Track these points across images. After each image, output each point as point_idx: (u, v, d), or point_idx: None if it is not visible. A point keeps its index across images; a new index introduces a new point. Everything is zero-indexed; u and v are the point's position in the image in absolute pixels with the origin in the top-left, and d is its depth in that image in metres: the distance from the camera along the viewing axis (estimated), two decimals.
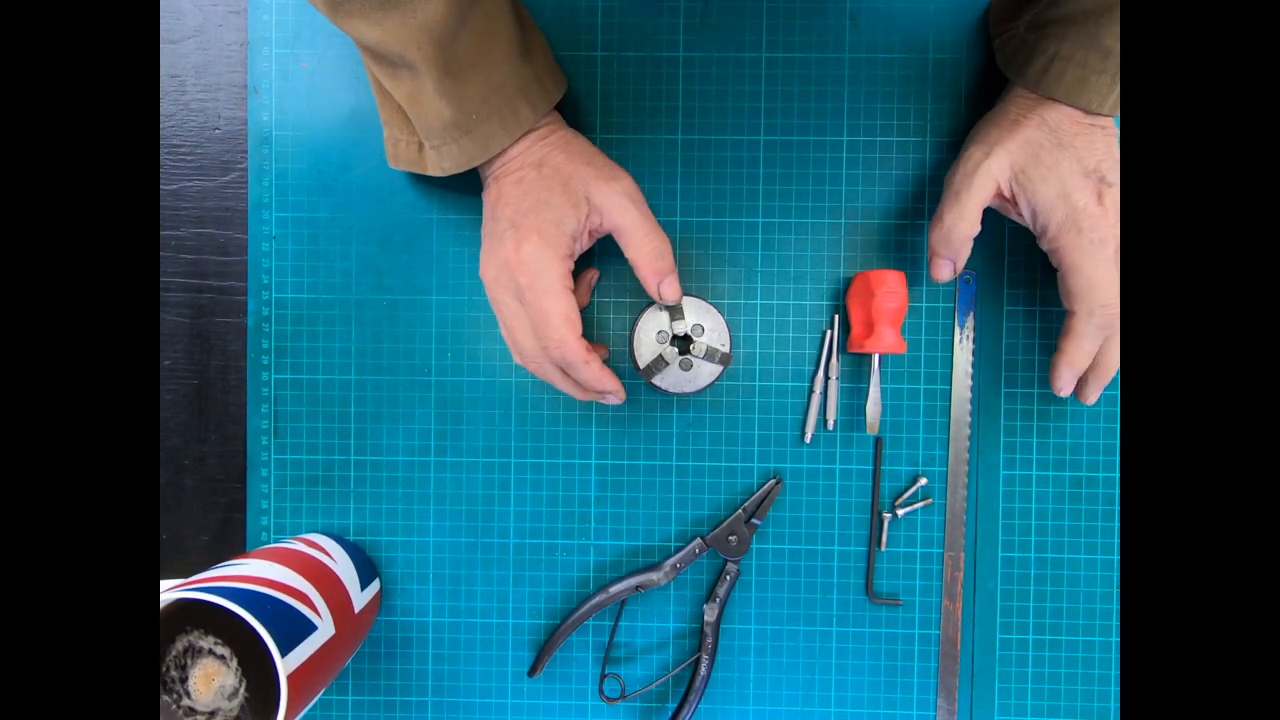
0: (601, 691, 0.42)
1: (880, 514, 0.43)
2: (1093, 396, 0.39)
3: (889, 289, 0.39)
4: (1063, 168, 0.35)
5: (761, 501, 0.42)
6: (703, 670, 0.41)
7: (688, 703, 0.41)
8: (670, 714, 0.42)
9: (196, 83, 0.44)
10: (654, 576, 0.41)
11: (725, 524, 0.42)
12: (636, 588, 0.41)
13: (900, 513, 0.43)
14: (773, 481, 0.42)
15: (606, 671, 0.43)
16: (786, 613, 0.43)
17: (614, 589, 0.41)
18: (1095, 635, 0.42)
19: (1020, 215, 0.37)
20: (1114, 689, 0.43)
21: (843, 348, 0.43)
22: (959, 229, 0.37)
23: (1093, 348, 0.37)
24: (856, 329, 0.41)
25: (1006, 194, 0.37)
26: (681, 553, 0.42)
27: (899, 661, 0.43)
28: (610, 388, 0.37)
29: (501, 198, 0.37)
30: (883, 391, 0.43)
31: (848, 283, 0.42)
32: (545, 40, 0.39)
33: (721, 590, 0.42)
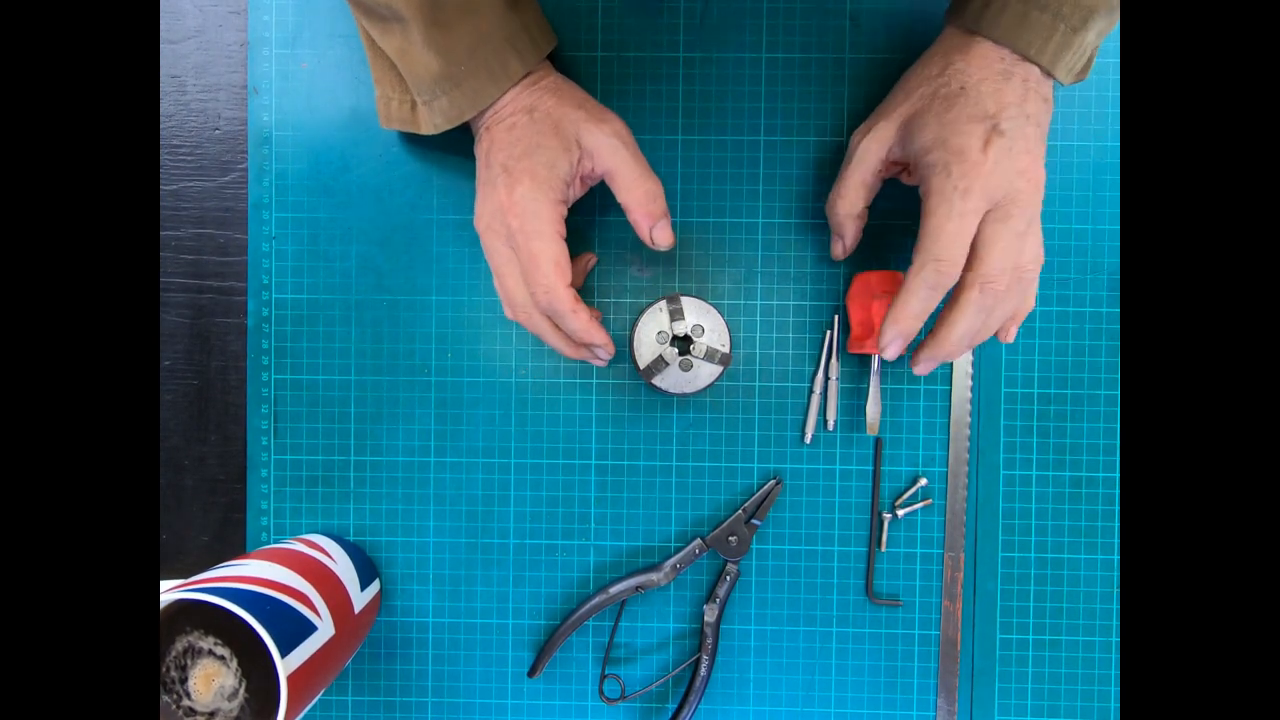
0: (601, 692, 0.42)
1: (880, 514, 0.43)
2: (921, 367, 0.36)
3: (889, 289, 0.39)
4: (950, 113, 0.32)
5: (761, 502, 0.42)
6: (703, 671, 0.41)
7: (687, 703, 0.41)
8: (670, 714, 0.42)
9: (196, 83, 0.44)
10: (654, 577, 0.41)
11: (725, 525, 0.42)
12: (636, 588, 0.41)
13: (900, 513, 0.43)
14: (773, 482, 0.42)
15: (606, 672, 0.43)
16: (786, 613, 0.43)
17: (614, 589, 0.41)
18: (1095, 635, 0.42)
19: (909, 176, 0.36)
20: (1114, 689, 0.43)
21: (843, 348, 0.43)
22: (837, 206, 0.37)
23: (922, 308, 0.34)
24: (856, 330, 0.41)
25: (897, 159, 0.35)
26: (681, 553, 0.42)
27: (899, 661, 0.43)
28: (598, 340, 0.37)
29: (494, 145, 0.36)
30: (883, 392, 0.43)
31: (848, 283, 0.42)
32: None
33: (721, 591, 0.42)
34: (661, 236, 0.38)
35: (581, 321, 0.36)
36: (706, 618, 0.42)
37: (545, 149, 0.35)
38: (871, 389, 0.41)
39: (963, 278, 0.33)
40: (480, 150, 0.37)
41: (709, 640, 0.41)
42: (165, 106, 0.44)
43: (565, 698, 0.43)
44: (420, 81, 0.36)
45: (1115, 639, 0.43)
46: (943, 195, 0.32)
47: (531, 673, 0.42)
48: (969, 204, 0.31)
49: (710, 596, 0.42)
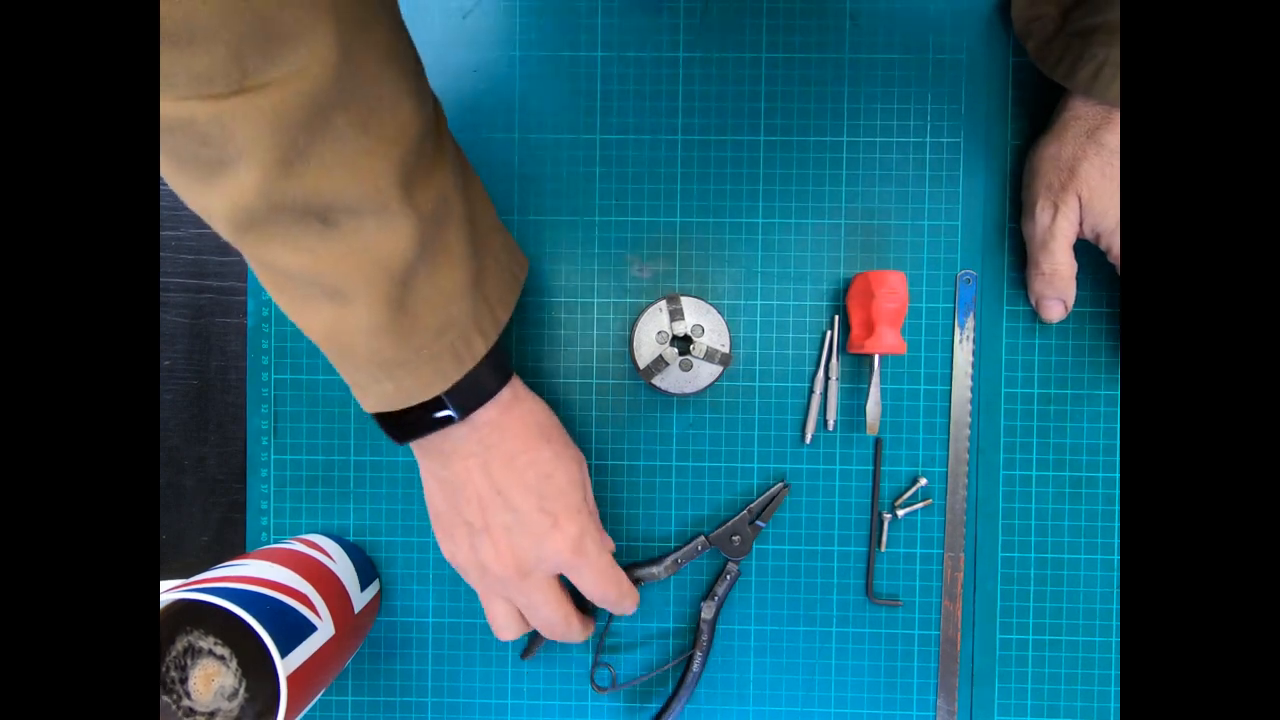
0: (593, 680, 0.42)
1: (880, 514, 0.43)
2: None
3: (889, 289, 0.39)
4: (1116, 180, 0.37)
5: (767, 504, 0.42)
6: (695, 667, 0.41)
7: (678, 697, 0.41)
8: (659, 708, 0.42)
9: None
10: (654, 570, 0.41)
11: (729, 524, 0.42)
12: (635, 580, 0.41)
13: (900, 513, 0.42)
14: (780, 485, 0.42)
15: (601, 660, 0.43)
16: (786, 613, 0.43)
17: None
18: (1095, 635, 0.42)
19: (1082, 233, 0.39)
20: (1114, 689, 0.43)
21: (843, 348, 0.43)
22: (1060, 273, 0.39)
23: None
24: (856, 329, 0.41)
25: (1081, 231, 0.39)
26: (683, 549, 0.42)
27: (899, 662, 0.43)
28: (636, 598, 0.39)
29: (506, 488, 0.33)
30: (883, 392, 0.43)
31: (848, 283, 0.42)
32: (503, 242, 0.35)
33: (720, 589, 0.42)
34: (609, 544, 0.39)
35: (629, 589, 0.38)
36: (704, 615, 0.42)
37: (579, 483, 0.36)
38: (871, 389, 0.41)
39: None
40: (468, 488, 0.34)
41: (704, 637, 0.41)
42: None
43: (565, 698, 0.43)
44: (356, 365, 0.30)
45: (1115, 639, 0.43)
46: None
47: (524, 654, 0.42)
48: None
49: (709, 594, 0.42)
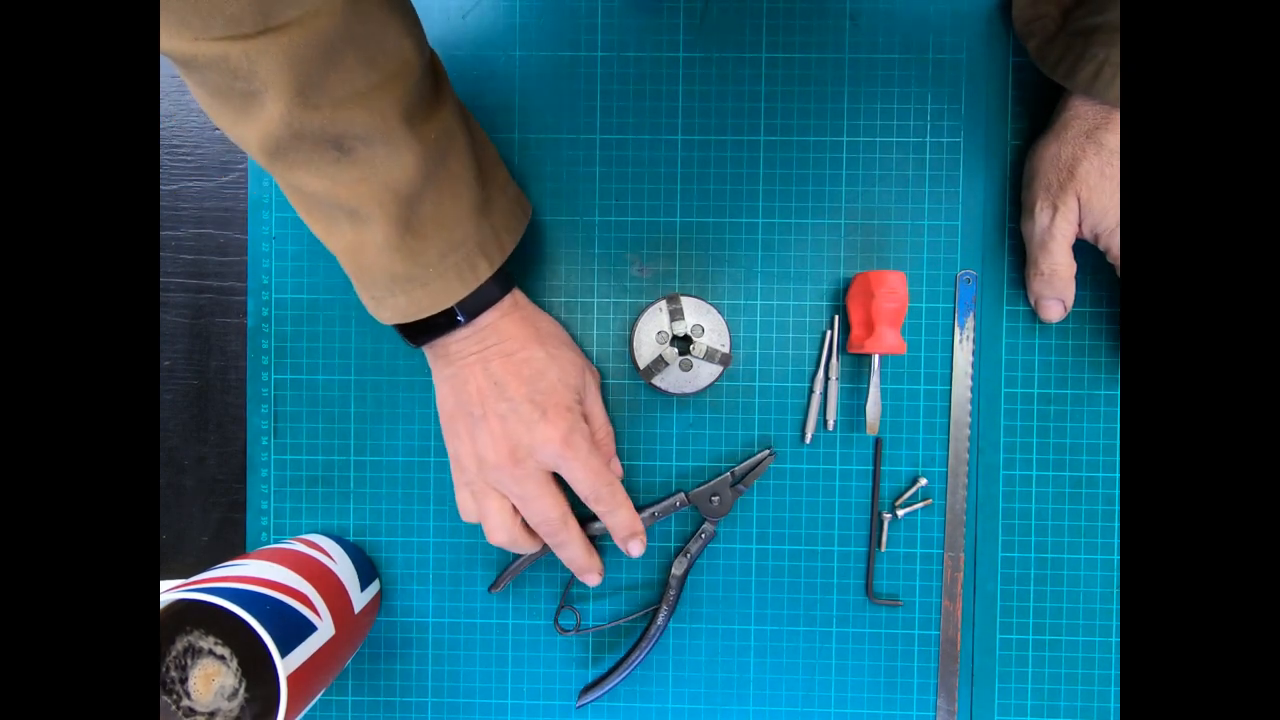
0: (557, 623, 0.43)
1: (880, 514, 0.43)
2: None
3: (889, 289, 0.39)
4: (1115, 180, 0.37)
5: (752, 469, 0.42)
6: (659, 620, 0.41)
7: (639, 648, 0.41)
8: (619, 656, 0.42)
9: None
10: None
11: (710, 484, 0.42)
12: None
13: (900, 513, 0.42)
14: (766, 452, 0.42)
15: (568, 605, 0.43)
16: (786, 613, 0.43)
17: (590, 526, 0.41)
18: (1095, 635, 0.42)
19: (1082, 233, 0.39)
20: (1114, 689, 0.43)
21: (843, 348, 0.43)
22: (1059, 273, 0.39)
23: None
24: (856, 329, 0.41)
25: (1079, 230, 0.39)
26: (662, 503, 0.42)
27: (899, 662, 0.43)
28: (595, 568, 0.40)
29: (502, 379, 0.36)
30: (883, 392, 0.43)
31: (848, 283, 0.42)
32: (507, 178, 0.38)
33: (694, 547, 0.42)
34: (615, 469, 0.42)
35: (583, 554, 0.39)
36: (674, 570, 0.42)
37: (571, 385, 0.38)
38: (871, 389, 0.41)
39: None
40: (470, 382, 0.37)
41: (671, 593, 0.42)
42: (165, 106, 0.44)
43: (565, 697, 0.43)
44: (373, 279, 0.34)
45: (1115, 639, 0.43)
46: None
47: (493, 587, 0.42)
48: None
49: (682, 551, 0.42)
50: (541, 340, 0.38)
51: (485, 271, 0.35)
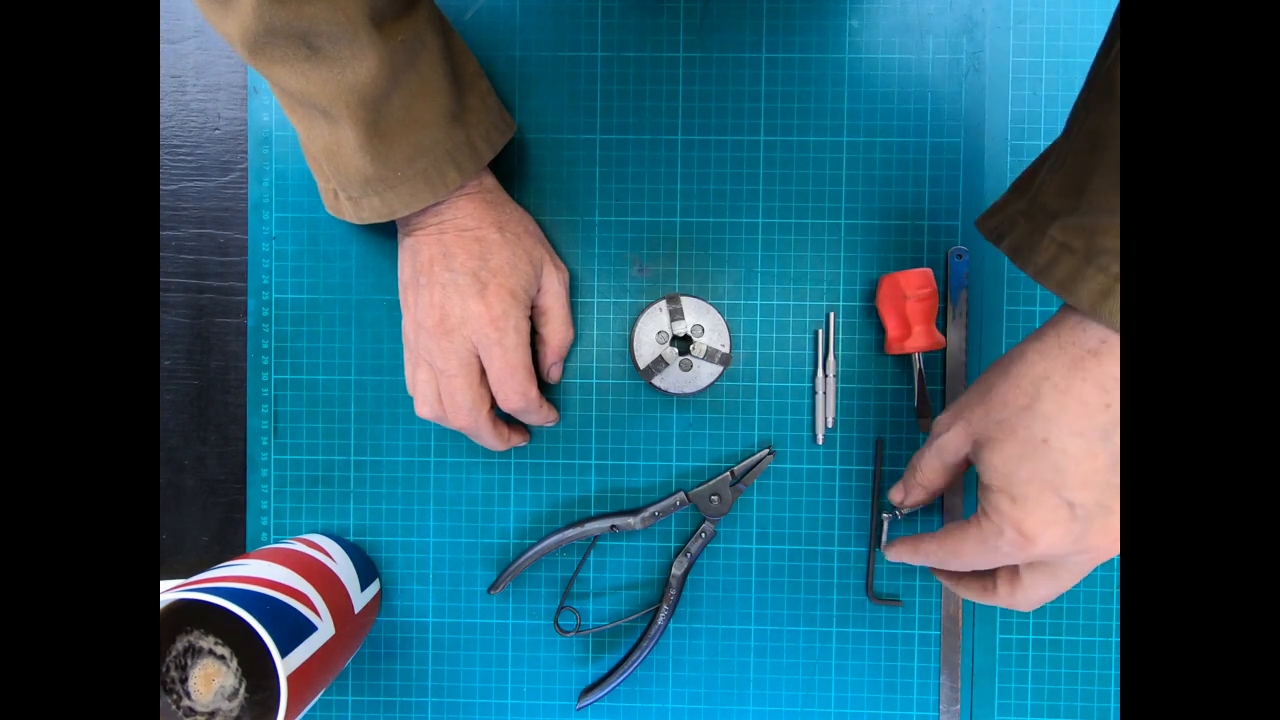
0: (556, 624, 0.43)
1: (880, 514, 0.43)
2: (896, 553, 0.36)
3: (919, 287, 0.39)
4: (1025, 470, 0.28)
5: (751, 468, 0.42)
6: (660, 620, 0.41)
7: (640, 648, 0.41)
8: (620, 657, 0.42)
9: (196, 83, 0.44)
10: (630, 520, 0.41)
11: (710, 483, 0.42)
12: (611, 527, 0.41)
13: (900, 513, 0.42)
14: (765, 451, 0.42)
15: (568, 605, 0.43)
16: (786, 613, 0.43)
17: (589, 525, 0.41)
18: (1095, 635, 0.42)
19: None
20: (1114, 689, 0.43)
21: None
22: (917, 473, 0.35)
23: (924, 561, 0.34)
24: (893, 331, 0.41)
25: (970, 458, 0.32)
26: (662, 503, 0.42)
27: (899, 661, 0.43)
28: (551, 420, 0.42)
29: (453, 251, 0.37)
30: (883, 392, 0.43)
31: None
32: (488, 89, 0.39)
33: (694, 547, 0.42)
34: (555, 372, 0.42)
35: (545, 413, 0.41)
36: (674, 570, 0.42)
37: (520, 272, 0.38)
38: (917, 388, 0.40)
39: (997, 571, 0.33)
40: (423, 251, 0.37)
41: (672, 592, 0.42)
42: (165, 106, 0.44)
43: (565, 696, 0.43)
44: (349, 180, 0.35)
45: (1115, 639, 0.43)
46: (984, 540, 0.30)
47: (492, 589, 0.42)
48: (1009, 558, 0.30)
49: (682, 551, 0.42)
50: (501, 225, 0.38)
51: (455, 180, 0.36)
